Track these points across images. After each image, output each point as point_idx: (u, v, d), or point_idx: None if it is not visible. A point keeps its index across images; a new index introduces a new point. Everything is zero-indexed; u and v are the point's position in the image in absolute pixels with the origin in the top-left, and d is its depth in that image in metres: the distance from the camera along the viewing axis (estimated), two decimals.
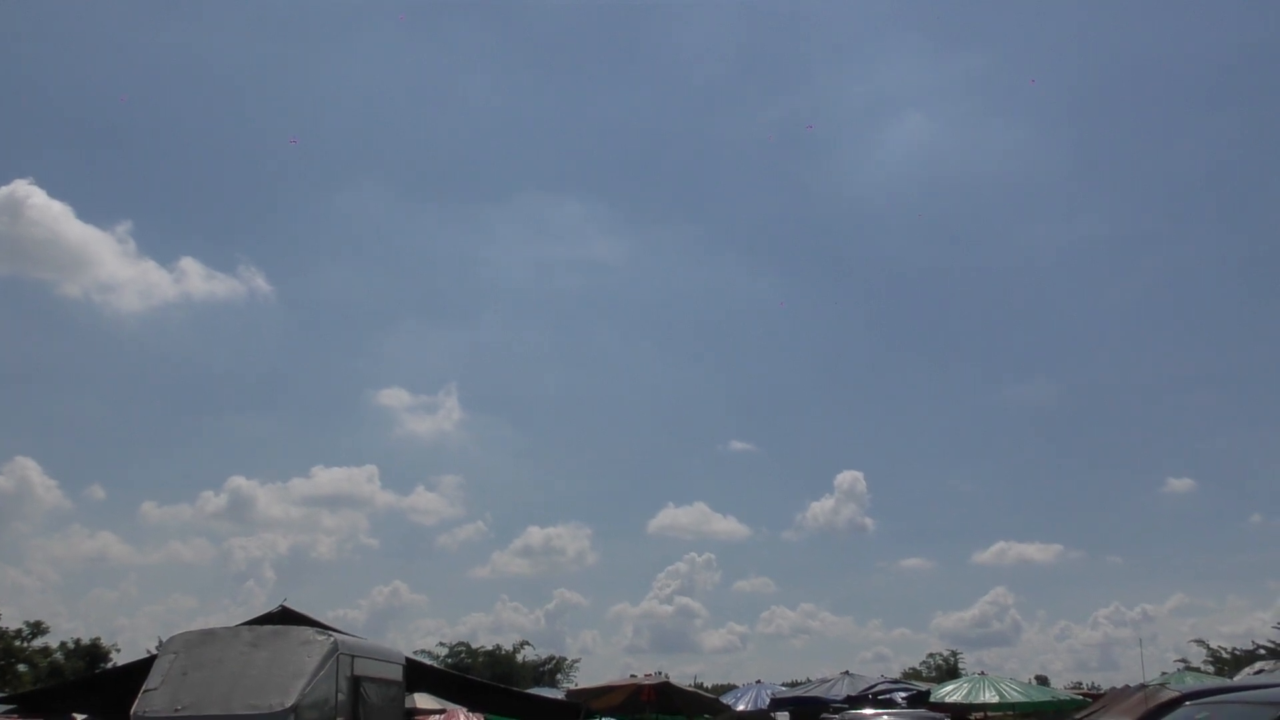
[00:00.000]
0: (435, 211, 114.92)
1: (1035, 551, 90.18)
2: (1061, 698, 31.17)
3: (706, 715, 31.27)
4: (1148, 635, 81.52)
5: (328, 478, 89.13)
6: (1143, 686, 14.77)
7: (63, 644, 61.82)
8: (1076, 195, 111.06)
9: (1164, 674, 31.60)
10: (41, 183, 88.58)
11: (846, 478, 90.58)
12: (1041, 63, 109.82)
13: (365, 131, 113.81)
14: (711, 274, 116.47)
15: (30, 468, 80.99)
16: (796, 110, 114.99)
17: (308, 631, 13.79)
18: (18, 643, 58.21)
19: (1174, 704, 10.97)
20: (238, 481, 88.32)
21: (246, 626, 14.75)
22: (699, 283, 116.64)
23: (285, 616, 18.75)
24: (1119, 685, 26.07)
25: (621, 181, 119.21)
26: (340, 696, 13.28)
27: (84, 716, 25.98)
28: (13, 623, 58.54)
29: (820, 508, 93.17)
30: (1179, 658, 58.18)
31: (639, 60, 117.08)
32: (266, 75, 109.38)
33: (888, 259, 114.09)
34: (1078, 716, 17.77)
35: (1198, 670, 45.70)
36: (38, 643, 59.46)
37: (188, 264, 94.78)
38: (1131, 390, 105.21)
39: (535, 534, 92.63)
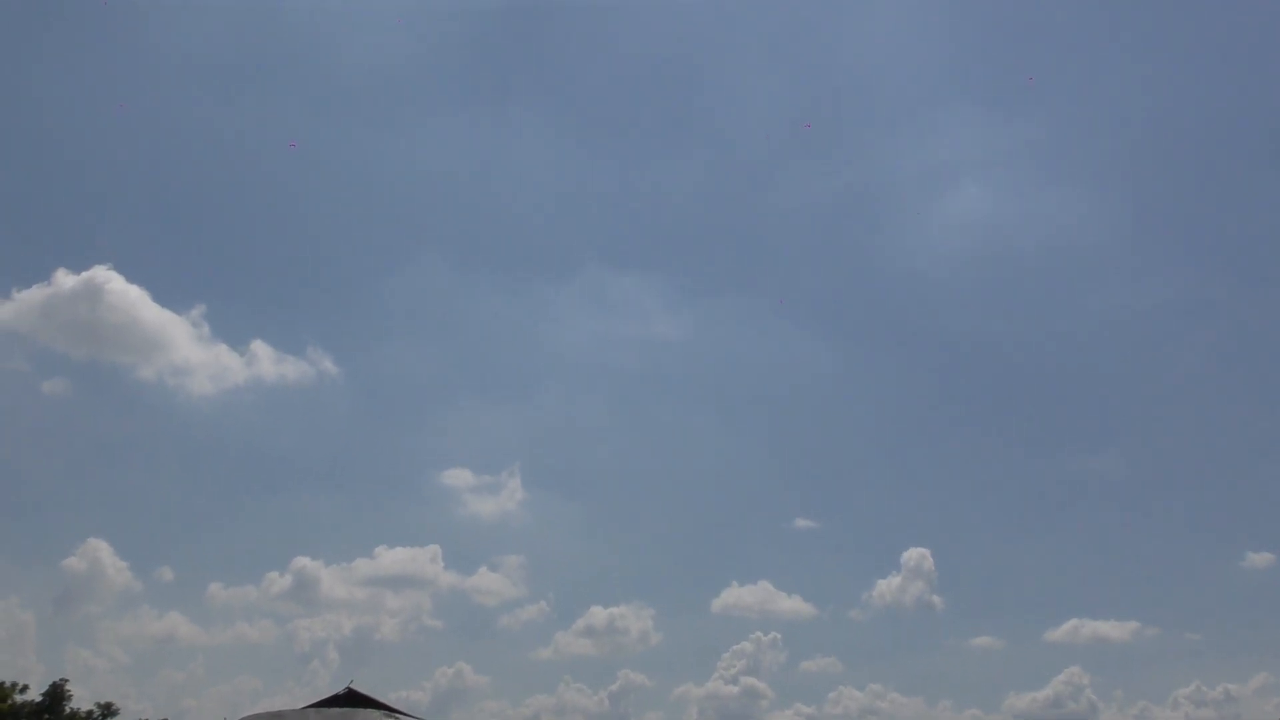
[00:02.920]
0: (495, 287, 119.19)
1: (1110, 629, 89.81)
2: None
3: None
4: (1230, 715, 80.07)
5: (391, 558, 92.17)
6: None
7: None
8: (1139, 261, 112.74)
9: None
10: (120, 268, 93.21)
11: (914, 555, 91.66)
12: (1100, 128, 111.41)
13: (426, 208, 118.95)
14: (771, 347, 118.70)
15: (102, 549, 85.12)
16: (852, 180, 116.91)
17: (375, 715, 15.49)
18: None
19: None
20: (302, 562, 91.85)
21: (314, 709, 16.55)
22: (759, 356, 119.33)
23: (352, 699, 20.68)
24: None
25: (679, 255, 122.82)
26: None
27: None
28: (84, 703, 61.09)
29: (887, 585, 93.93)
30: None
31: (694, 133, 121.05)
32: (331, 155, 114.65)
33: (949, 329, 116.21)
34: None
35: None
36: None
37: (258, 347, 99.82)
38: (1205, 460, 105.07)
39: (598, 614, 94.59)
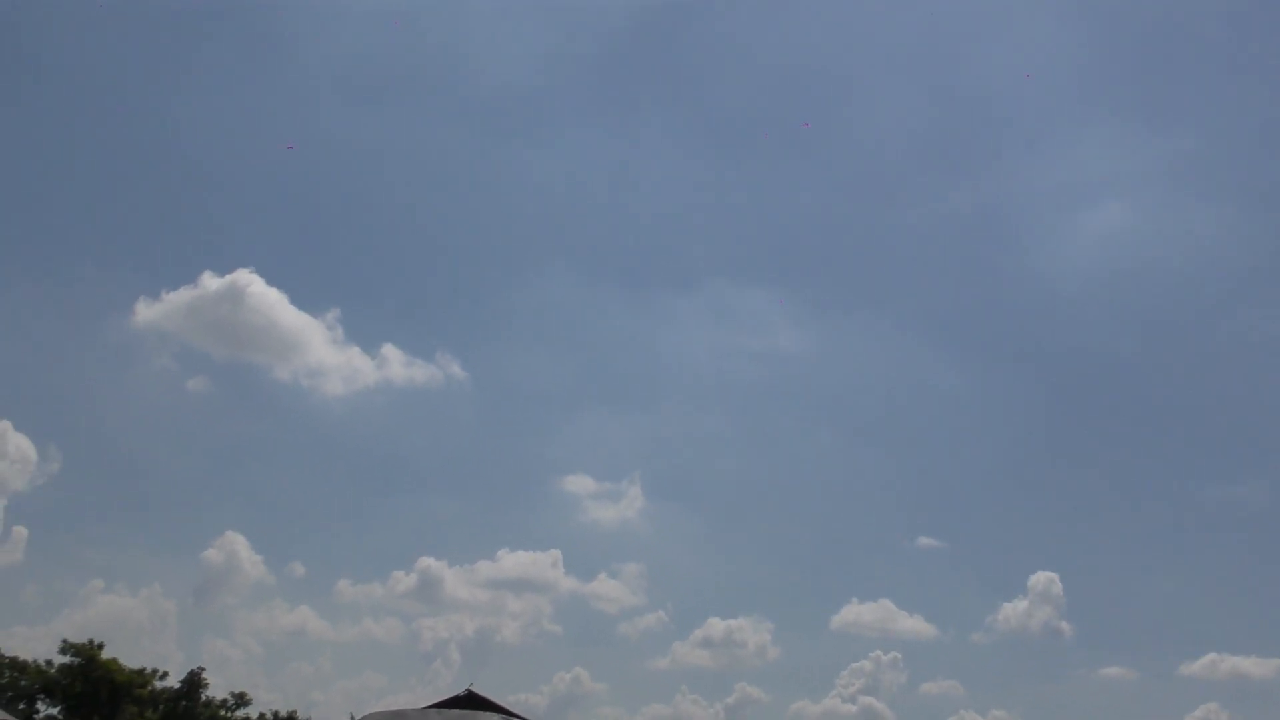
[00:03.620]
0: (622, 298, 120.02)
1: (1252, 665, 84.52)
2: None
3: None
4: None
5: (513, 561, 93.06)
6: None
7: (261, 715, 66.18)
8: None
9: None
10: (261, 271, 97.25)
11: (1041, 579, 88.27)
12: (1248, 143, 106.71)
13: (556, 219, 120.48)
14: (898, 364, 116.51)
15: (239, 543, 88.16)
16: (988, 195, 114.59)
17: (494, 718, 15.66)
18: (223, 712, 62.64)
19: None
20: (427, 562, 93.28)
21: (435, 709, 16.87)
22: (885, 372, 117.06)
23: (471, 700, 21.01)
24: None
25: (806, 268, 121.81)
26: None
27: None
28: (219, 692, 63.31)
29: (1012, 609, 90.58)
30: None
31: (825, 146, 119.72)
32: (464, 166, 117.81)
33: (1084, 349, 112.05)
34: None
35: None
36: (240, 713, 63.97)
37: (389, 351, 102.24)
38: None
39: (716, 625, 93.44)
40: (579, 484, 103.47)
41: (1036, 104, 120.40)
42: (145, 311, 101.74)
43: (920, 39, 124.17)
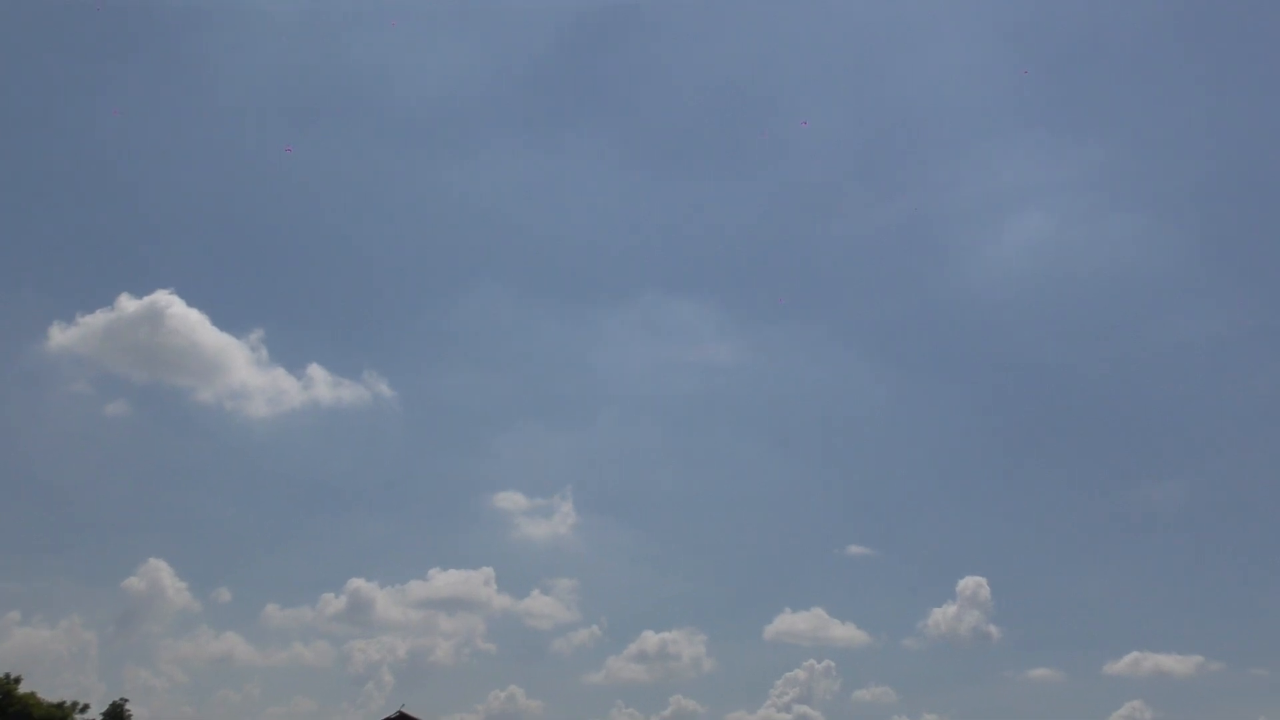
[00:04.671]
0: (552, 313, 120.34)
1: (1173, 663, 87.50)
2: None
3: None
4: None
5: (445, 580, 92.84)
6: None
7: None
8: (1204, 288, 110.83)
9: None
10: (181, 292, 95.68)
11: (970, 583, 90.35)
12: (1165, 153, 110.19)
13: (485, 235, 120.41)
14: (828, 374, 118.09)
15: (163, 570, 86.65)
16: (914, 207, 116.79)
17: None
18: None
19: None
20: (357, 584, 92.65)
21: None
22: (815, 383, 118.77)
23: None
24: None
25: (736, 281, 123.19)
26: None
27: None
28: None
29: (942, 614, 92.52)
30: None
31: (753, 160, 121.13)
32: (390, 182, 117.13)
33: (1009, 356, 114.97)
34: None
35: None
36: None
37: (315, 371, 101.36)
38: (1271, 490, 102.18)
39: (650, 639, 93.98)
40: (510, 501, 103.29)
41: (959, 118, 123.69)
42: (59, 335, 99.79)
43: (848, 56, 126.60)
